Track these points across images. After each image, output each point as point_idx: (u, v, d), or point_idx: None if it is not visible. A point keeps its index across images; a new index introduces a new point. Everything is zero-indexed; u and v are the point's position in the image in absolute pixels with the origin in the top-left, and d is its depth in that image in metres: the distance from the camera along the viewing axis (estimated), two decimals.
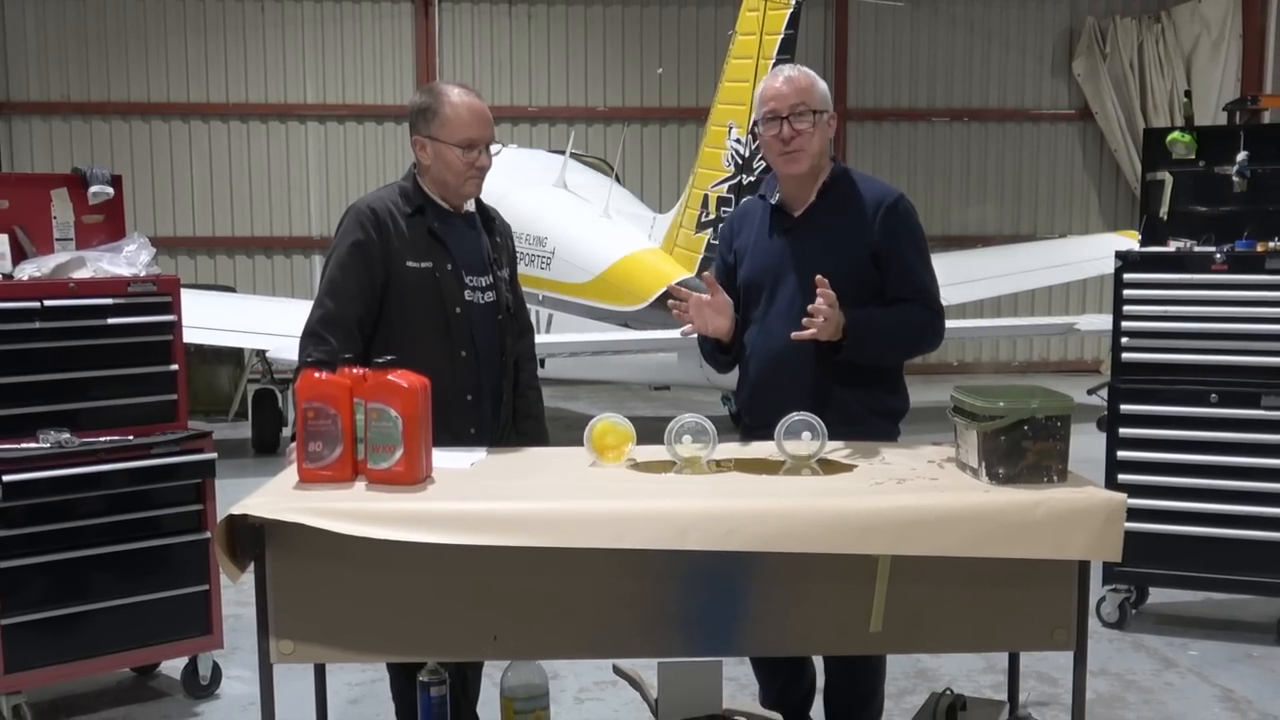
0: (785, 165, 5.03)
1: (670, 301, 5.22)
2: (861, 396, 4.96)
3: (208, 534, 6.41)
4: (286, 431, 13.29)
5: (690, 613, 4.09)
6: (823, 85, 5.08)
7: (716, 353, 5.31)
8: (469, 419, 4.93)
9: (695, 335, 5.22)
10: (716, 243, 11.49)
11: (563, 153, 15.43)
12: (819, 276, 4.67)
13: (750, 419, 5.18)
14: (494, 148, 5.12)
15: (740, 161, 11.54)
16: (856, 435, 4.53)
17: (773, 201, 5.16)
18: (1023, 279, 17.28)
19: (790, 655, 5.10)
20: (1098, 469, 7.08)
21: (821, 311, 4.65)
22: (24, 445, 6.03)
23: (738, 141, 11.55)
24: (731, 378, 5.36)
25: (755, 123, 5.12)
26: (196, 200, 19.30)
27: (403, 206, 4.99)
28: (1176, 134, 7.71)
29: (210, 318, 12.08)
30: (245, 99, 19.28)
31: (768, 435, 4.78)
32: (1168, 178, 7.64)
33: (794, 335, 4.71)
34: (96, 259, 6.41)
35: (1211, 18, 19.84)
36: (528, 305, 5.51)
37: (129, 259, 6.46)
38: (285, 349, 10.68)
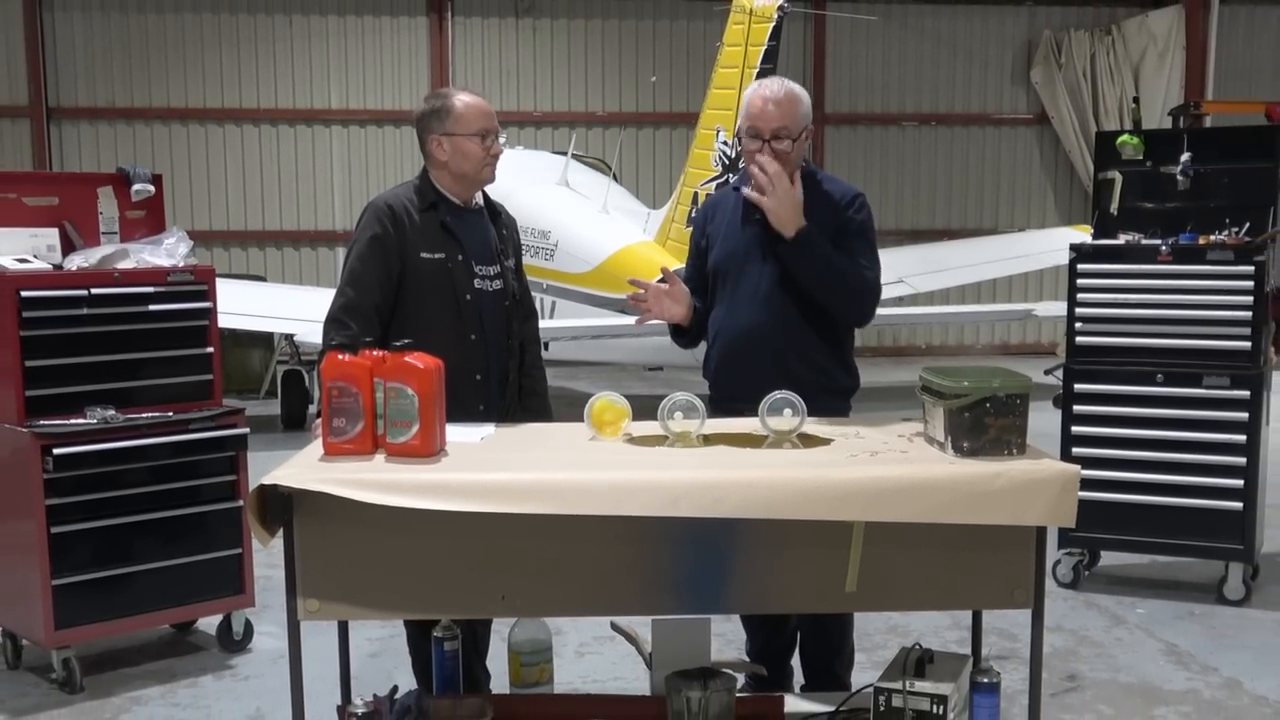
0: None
1: (629, 295, 5.22)
2: (816, 374, 4.95)
3: (240, 502, 6.42)
4: (312, 408, 13.28)
5: (681, 574, 4.09)
6: (805, 104, 5.03)
7: (676, 335, 5.38)
8: (479, 397, 4.93)
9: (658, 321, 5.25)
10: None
11: (565, 154, 15.39)
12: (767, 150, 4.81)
13: (716, 392, 5.19)
14: (501, 137, 5.15)
15: (727, 162, 11.50)
16: (810, 410, 4.51)
17: (746, 192, 5.13)
18: (985, 269, 17.25)
19: (772, 613, 5.12)
20: (1053, 443, 7.07)
21: (766, 167, 4.76)
22: (73, 421, 6.04)
23: (725, 144, 11.52)
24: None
25: (740, 129, 5.09)
26: (230, 197, 19.29)
27: (417, 202, 4.99)
28: (1125, 137, 7.71)
29: (243, 305, 12.10)
30: (275, 105, 19.27)
31: (733, 407, 4.80)
32: (1118, 177, 7.64)
33: (745, 192, 4.86)
34: (139, 251, 6.41)
35: (1158, 31, 19.85)
36: (532, 293, 5.51)
37: (169, 251, 6.46)
38: (311, 333, 10.66)
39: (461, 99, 5.02)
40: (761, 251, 5.00)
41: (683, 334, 5.32)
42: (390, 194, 5.08)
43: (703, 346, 5.34)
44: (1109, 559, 7.99)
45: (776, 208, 4.84)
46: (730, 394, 5.00)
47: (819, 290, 4.97)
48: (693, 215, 11.78)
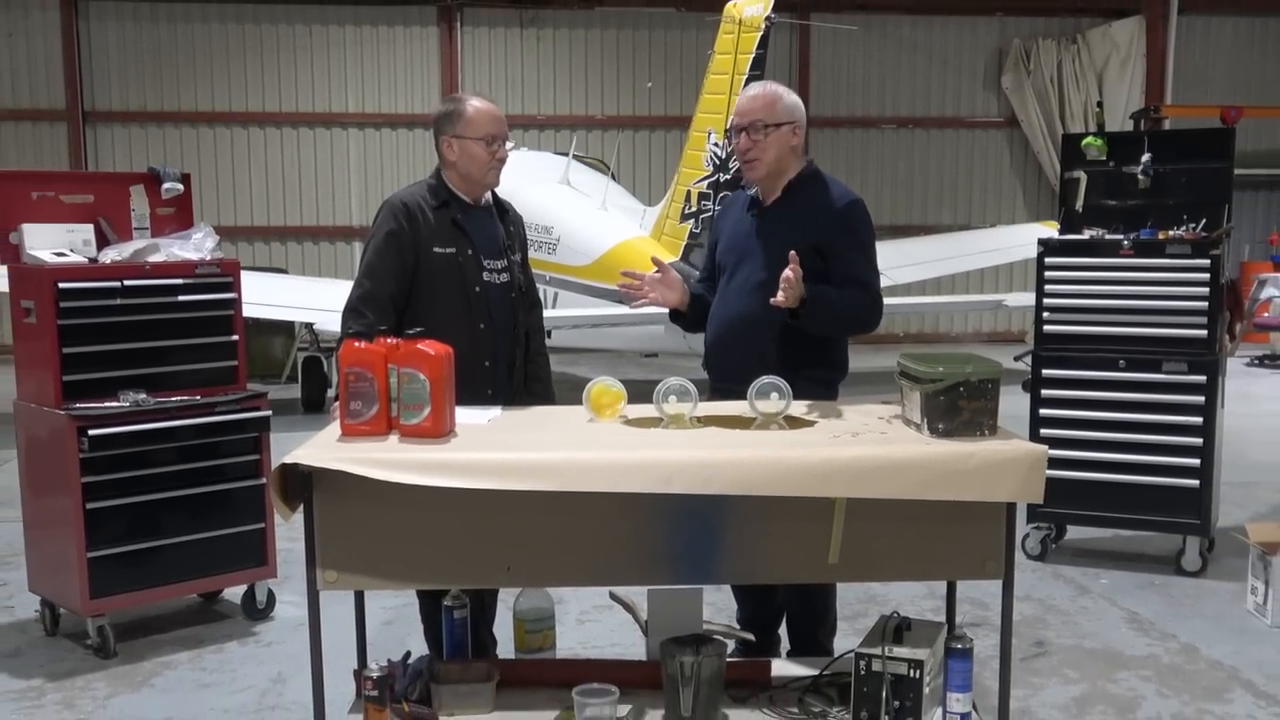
0: (746, 171, 5.05)
1: (620, 283, 5.22)
2: (802, 362, 4.91)
3: (263, 480, 6.41)
4: (331, 392, 13.28)
5: (675, 547, 4.08)
6: (788, 100, 5.00)
7: (676, 319, 5.34)
8: (486, 382, 4.92)
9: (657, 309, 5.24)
10: (699, 231, 11.54)
11: (566, 155, 15.39)
12: (792, 252, 4.65)
13: (712, 375, 5.19)
14: (508, 144, 5.13)
15: (718, 162, 11.51)
16: (799, 394, 4.50)
17: (750, 193, 5.16)
18: (959, 262, 17.29)
19: (760, 583, 5.12)
20: (1022, 424, 7.08)
21: (788, 280, 4.63)
22: (107, 404, 6.04)
23: (716, 145, 11.52)
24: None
25: (727, 131, 5.11)
26: (254, 195, 19.33)
27: (430, 200, 4.97)
28: (1090, 139, 7.70)
29: (266, 295, 12.08)
30: (296, 109, 19.30)
31: (727, 389, 4.79)
32: (1082, 176, 7.63)
33: (772, 300, 4.68)
34: (169, 245, 6.40)
35: (1120, 40, 19.89)
36: (537, 284, 5.50)
37: (196, 245, 6.45)
38: (330, 322, 10.62)
39: (473, 104, 5.00)
40: (755, 247, 4.99)
41: (681, 318, 5.30)
42: (405, 192, 5.07)
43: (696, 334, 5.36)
44: (1074, 533, 8.00)
45: (784, 302, 4.77)
46: (723, 377, 5.00)
47: (827, 332, 4.99)
48: (686, 212, 11.81)
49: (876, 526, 4.00)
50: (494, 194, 5.21)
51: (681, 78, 19.03)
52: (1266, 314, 17.21)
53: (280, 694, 5.70)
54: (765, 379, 4.40)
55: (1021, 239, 15.44)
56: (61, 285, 5.94)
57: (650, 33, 19.89)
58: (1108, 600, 7.01)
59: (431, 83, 19.46)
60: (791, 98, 5.06)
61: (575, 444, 4.16)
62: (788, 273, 4.61)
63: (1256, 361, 17.21)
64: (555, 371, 5.59)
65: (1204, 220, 7.25)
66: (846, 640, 5.11)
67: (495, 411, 4.64)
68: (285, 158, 19.42)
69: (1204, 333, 7.13)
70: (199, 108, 19.10)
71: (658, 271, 5.14)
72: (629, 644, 5.81)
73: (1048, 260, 7.47)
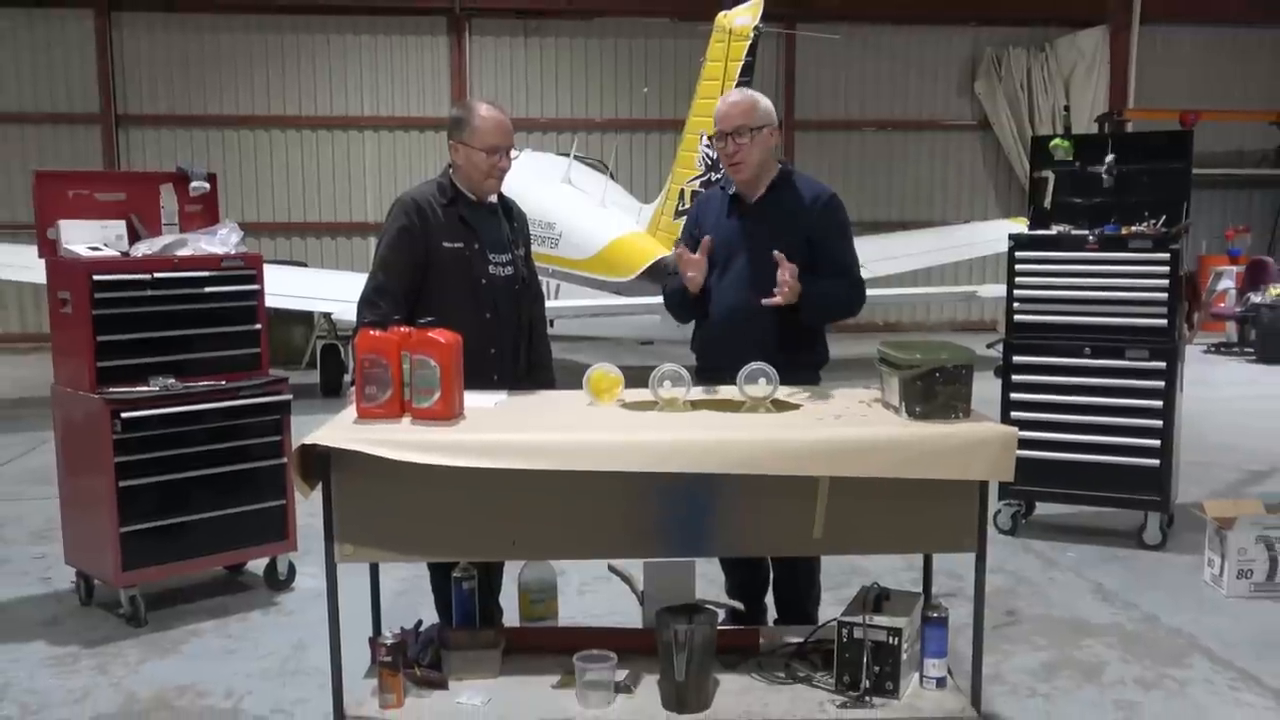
0: (733, 173, 5.05)
1: (675, 251, 5.19)
2: (789, 349, 4.90)
3: (284, 459, 6.39)
4: (347, 378, 13.25)
5: (670, 522, 4.09)
6: (764, 105, 5.02)
7: (684, 303, 5.22)
8: (492, 368, 4.91)
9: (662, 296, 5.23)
10: None
11: (568, 155, 15.38)
12: (777, 253, 4.68)
13: (703, 363, 5.17)
14: (513, 153, 5.11)
15: (710, 163, 11.49)
16: (785, 380, 4.51)
17: (730, 192, 5.15)
18: (935, 256, 17.26)
19: (749, 556, 5.12)
20: (994, 408, 7.07)
21: (787, 283, 4.66)
22: (138, 389, 6.02)
23: (708, 146, 11.50)
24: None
25: (712, 136, 5.10)
26: (276, 193, 19.30)
27: (439, 198, 4.96)
28: (1057, 141, 7.69)
29: (287, 287, 12.08)
30: (315, 113, 19.28)
31: (718, 377, 4.78)
32: (1050, 175, 7.61)
33: (765, 301, 4.72)
34: (196, 240, 6.38)
35: (1085, 48, 19.89)
36: (539, 277, 5.49)
37: (222, 240, 6.43)
38: (347, 312, 10.58)
39: (482, 115, 4.96)
40: (746, 243, 4.99)
41: (685, 307, 5.25)
42: (416, 190, 5.05)
43: (687, 324, 5.34)
44: (1043, 509, 7.98)
45: (785, 301, 4.79)
46: (715, 365, 4.98)
47: (820, 322, 5.04)
48: (680, 209, 11.78)
49: (858, 503, 4.00)
50: (500, 192, 5.20)
51: (676, 83, 18.96)
52: (1222, 304, 17.24)
53: (301, 660, 5.69)
54: (754, 365, 4.40)
55: (993, 234, 15.41)
56: (96, 278, 5.93)
57: (646, 41, 19.85)
58: (1074, 572, 7.01)
59: (441, 88, 19.43)
60: (766, 102, 5.07)
61: (576, 426, 4.17)
62: (785, 276, 4.65)
63: (1213, 349, 17.21)
64: (556, 358, 5.58)
65: (1164, 217, 7.23)
66: (829, 609, 5.11)
67: (501, 396, 4.64)
68: (305, 158, 19.40)
69: (1164, 322, 7.11)
70: (225, 111, 19.06)
71: (697, 253, 5.07)
72: (626, 613, 5.79)
73: (1018, 254, 7.45)
